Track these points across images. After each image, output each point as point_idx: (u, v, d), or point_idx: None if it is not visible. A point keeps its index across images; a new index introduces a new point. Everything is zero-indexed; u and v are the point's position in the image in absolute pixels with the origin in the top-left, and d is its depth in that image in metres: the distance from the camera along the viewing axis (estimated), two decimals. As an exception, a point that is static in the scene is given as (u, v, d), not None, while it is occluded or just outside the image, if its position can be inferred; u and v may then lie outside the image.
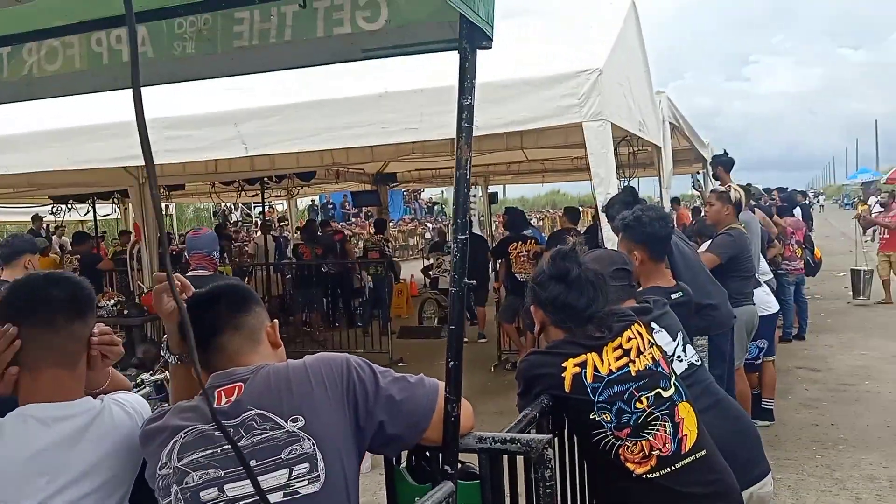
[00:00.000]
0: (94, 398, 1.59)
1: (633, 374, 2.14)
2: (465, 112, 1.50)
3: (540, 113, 3.98)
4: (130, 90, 2.04)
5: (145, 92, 2.22)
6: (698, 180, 9.24)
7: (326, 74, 4.30)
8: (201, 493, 1.44)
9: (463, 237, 1.61)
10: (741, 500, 2.30)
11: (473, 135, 1.48)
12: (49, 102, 2.30)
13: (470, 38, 1.47)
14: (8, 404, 1.54)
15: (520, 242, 7.63)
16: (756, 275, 5.35)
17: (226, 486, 1.44)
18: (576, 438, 2.26)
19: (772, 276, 6.67)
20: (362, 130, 4.44)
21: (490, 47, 1.49)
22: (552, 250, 2.36)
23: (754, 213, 6.36)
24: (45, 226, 12.72)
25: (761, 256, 6.22)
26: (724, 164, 6.27)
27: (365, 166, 10.50)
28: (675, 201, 14.33)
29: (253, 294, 1.75)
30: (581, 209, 16.98)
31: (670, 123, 6.13)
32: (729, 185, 5.22)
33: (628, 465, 2.11)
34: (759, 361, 5.60)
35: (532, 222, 16.71)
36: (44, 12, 1.86)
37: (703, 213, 7.59)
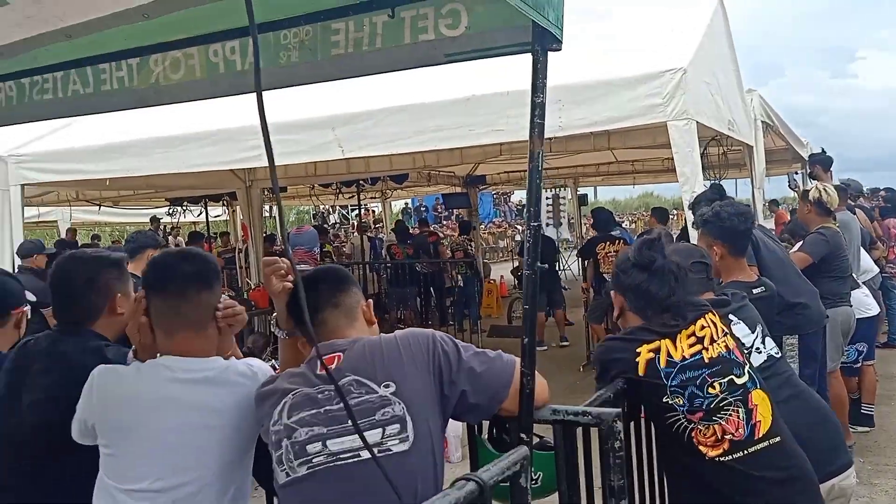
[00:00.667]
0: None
1: (706, 360, 2.21)
2: (538, 109, 1.64)
3: (623, 113, 4.04)
4: (241, 97, 2.31)
5: (253, 98, 2.48)
6: (795, 180, 8.93)
7: (417, 79, 4.53)
8: (307, 447, 1.64)
9: (536, 224, 1.74)
10: (817, 489, 2.32)
11: (558, 135, 1.61)
12: (165, 110, 2.59)
13: (541, 41, 1.61)
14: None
15: (608, 243, 7.61)
16: (854, 276, 5.18)
17: (328, 441, 1.64)
18: (651, 423, 2.36)
19: (877, 272, 6.34)
20: (450, 133, 4.63)
21: (560, 49, 1.62)
22: (639, 239, 2.46)
23: (854, 213, 6.13)
24: (161, 227, 13.65)
25: (865, 254, 5.99)
26: (821, 162, 6.09)
27: (455, 168, 10.71)
28: (774, 203, 13.81)
29: (350, 276, 1.96)
30: (676, 212, 16.58)
31: (763, 122, 6.00)
32: (815, 185, 5.06)
33: (701, 447, 2.18)
34: (859, 365, 5.40)
35: (624, 225, 16.47)
36: (168, 26, 2.12)
37: (799, 215, 7.33)
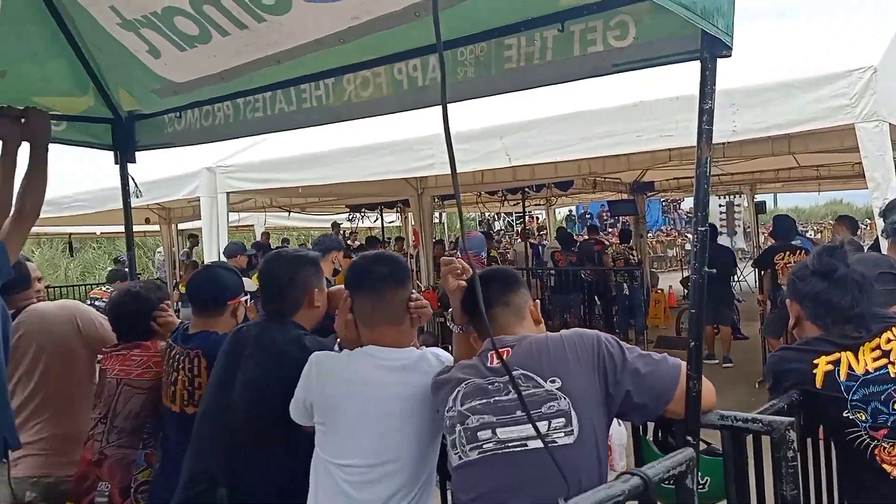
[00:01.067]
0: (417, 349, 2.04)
1: (893, 375, 2.09)
2: (706, 115, 1.67)
3: (805, 115, 3.83)
4: (420, 111, 2.51)
5: (429, 111, 2.69)
6: None
7: (583, 87, 4.57)
8: (478, 433, 1.77)
9: (703, 229, 1.77)
10: None
11: (732, 140, 1.62)
12: (348, 123, 2.86)
13: (710, 49, 1.63)
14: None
15: (787, 252, 7.14)
16: None
17: (497, 430, 1.75)
18: (830, 437, 2.26)
19: None
20: (618, 139, 4.62)
21: (730, 55, 1.64)
22: (819, 246, 2.37)
23: None
24: (342, 231, 14.65)
25: None
26: None
27: (621, 175, 10.55)
28: None
29: (519, 277, 2.08)
30: (868, 221, 15.12)
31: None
32: None
33: (885, 466, 2.07)
34: None
35: (808, 234, 15.29)
36: (359, 48, 2.35)
37: None
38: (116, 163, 3.35)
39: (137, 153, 3.40)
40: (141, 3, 2.23)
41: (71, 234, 14.37)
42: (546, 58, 2.12)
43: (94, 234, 15.72)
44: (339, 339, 2.12)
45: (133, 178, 3.37)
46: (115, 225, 11.85)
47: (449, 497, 2.32)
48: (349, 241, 14.22)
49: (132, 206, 3.54)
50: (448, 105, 2.51)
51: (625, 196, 12.19)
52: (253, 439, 2.18)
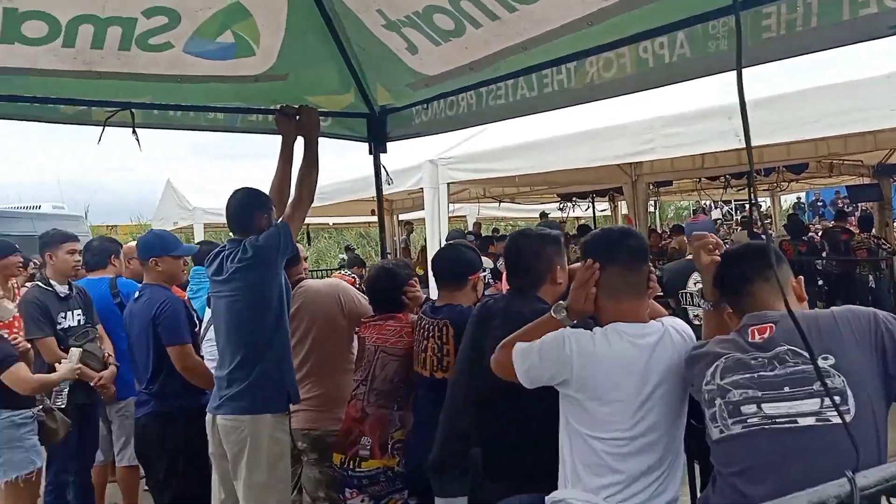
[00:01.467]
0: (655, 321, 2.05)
1: None
2: None
3: None
4: (641, 92, 2.49)
5: (643, 94, 2.66)
6: None
7: (825, 58, 4.22)
8: (742, 407, 1.75)
9: None
10: None
11: None
12: (558, 111, 2.88)
13: None
14: None
15: None
16: None
17: (763, 405, 1.72)
18: None
19: None
20: (866, 115, 4.22)
21: None
22: None
23: None
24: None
25: None
26: None
27: (864, 157, 9.51)
28: None
29: (780, 253, 2.02)
30: None
31: None
32: None
33: None
34: None
35: None
36: (604, 30, 2.38)
37: None
38: (370, 153, 3.69)
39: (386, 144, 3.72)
40: (405, 4, 2.45)
41: (308, 224, 15.88)
42: (811, 24, 2.01)
43: (327, 224, 17.21)
44: (561, 308, 2.08)
45: (384, 167, 3.69)
46: (344, 216, 12.92)
47: (696, 470, 2.32)
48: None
49: (375, 197, 3.86)
50: (670, 85, 2.48)
51: (867, 180, 10.97)
52: (501, 403, 2.31)
